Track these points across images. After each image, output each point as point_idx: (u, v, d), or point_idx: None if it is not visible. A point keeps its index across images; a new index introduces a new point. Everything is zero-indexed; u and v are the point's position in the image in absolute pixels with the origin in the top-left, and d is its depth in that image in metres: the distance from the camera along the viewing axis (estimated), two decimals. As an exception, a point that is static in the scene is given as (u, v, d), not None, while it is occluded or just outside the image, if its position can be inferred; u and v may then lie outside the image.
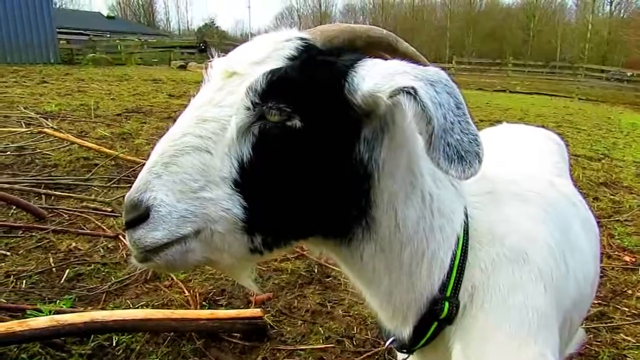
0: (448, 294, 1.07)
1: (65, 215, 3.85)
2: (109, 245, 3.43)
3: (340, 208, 0.97)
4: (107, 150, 5.53)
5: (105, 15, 48.92)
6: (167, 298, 2.82)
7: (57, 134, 5.99)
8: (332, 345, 2.53)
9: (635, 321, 2.93)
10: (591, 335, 2.76)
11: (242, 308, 2.72)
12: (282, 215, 0.92)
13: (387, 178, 0.98)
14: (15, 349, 2.19)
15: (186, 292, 2.85)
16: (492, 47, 49.06)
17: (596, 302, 3.05)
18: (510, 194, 1.22)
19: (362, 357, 2.47)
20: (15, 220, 3.72)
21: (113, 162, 5.28)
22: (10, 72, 14.01)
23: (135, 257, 0.89)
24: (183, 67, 22.15)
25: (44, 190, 4.26)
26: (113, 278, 3.00)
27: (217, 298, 2.89)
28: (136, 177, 0.89)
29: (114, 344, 2.34)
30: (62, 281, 2.93)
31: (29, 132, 6.12)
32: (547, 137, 2.03)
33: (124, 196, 0.92)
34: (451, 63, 27.21)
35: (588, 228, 1.48)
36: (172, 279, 3.00)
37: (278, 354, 2.45)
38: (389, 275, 1.07)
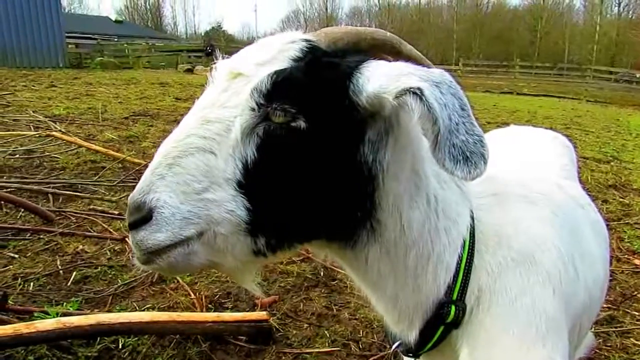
0: (454, 297, 1.06)
1: (73, 218, 3.88)
2: (116, 248, 3.45)
3: (345, 210, 0.96)
4: (115, 153, 5.58)
5: (113, 19, 49.37)
6: (173, 301, 2.83)
7: (65, 137, 6.05)
8: (338, 348, 2.52)
9: (646, 325, 2.89)
10: (601, 340, 2.72)
11: (247, 311, 2.72)
12: (286, 217, 0.92)
13: (392, 180, 0.97)
14: (22, 351, 2.20)
15: (192, 294, 2.85)
16: (499, 49, 48.93)
17: (606, 306, 3.01)
18: (517, 196, 1.20)
19: (368, 360, 2.45)
20: (24, 222, 3.75)
21: (120, 165, 5.31)
22: (19, 76, 14.18)
23: (138, 258, 0.89)
24: (190, 71, 22.30)
25: (52, 190, 4.29)
26: (119, 280, 3.01)
27: (223, 301, 2.89)
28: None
29: (120, 347, 2.34)
30: (69, 283, 2.95)
31: (37, 136, 6.18)
32: (555, 139, 2.01)
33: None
34: (458, 65, 27.19)
35: (597, 231, 1.46)
36: (178, 281, 3.00)
37: (284, 357, 2.44)
38: (394, 279, 1.06)
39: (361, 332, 2.67)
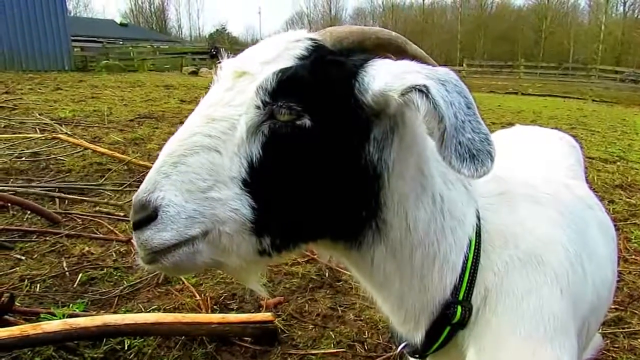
0: (460, 297, 1.06)
1: (79, 220, 3.89)
2: (121, 250, 3.46)
3: (350, 209, 0.96)
4: (120, 156, 5.60)
5: (119, 22, 49.60)
6: (178, 302, 2.83)
7: (71, 139, 6.09)
8: (343, 349, 2.51)
9: (654, 326, 2.86)
10: (608, 341, 2.70)
11: (253, 312, 2.72)
12: (291, 216, 0.91)
13: (397, 179, 0.97)
14: (29, 352, 2.21)
15: (197, 296, 2.85)
16: (504, 49, 48.80)
17: (613, 307, 2.98)
18: (524, 196, 1.19)
19: (373, 362, 2.44)
20: (30, 224, 3.77)
21: (126, 167, 5.33)
22: (25, 79, 14.29)
23: (142, 258, 0.88)
24: (195, 73, 22.38)
25: (58, 194, 4.32)
26: (125, 282, 3.02)
27: (228, 302, 2.89)
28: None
29: (126, 348, 2.34)
30: (75, 285, 2.96)
31: (43, 138, 6.22)
32: (561, 139, 1.99)
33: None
34: (462, 66, 27.13)
35: (604, 230, 1.45)
36: (183, 283, 3.01)
37: (289, 358, 2.43)
38: (400, 279, 1.06)
39: (366, 333, 2.66)
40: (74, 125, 7.47)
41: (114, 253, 3.39)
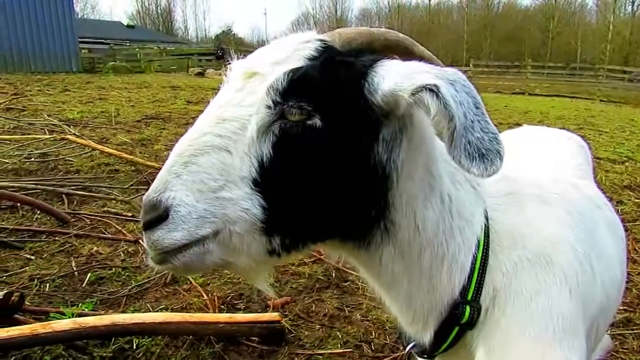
0: (469, 297, 1.06)
1: (87, 220, 3.93)
2: (130, 250, 3.48)
3: (359, 209, 0.96)
4: (127, 156, 5.63)
5: (125, 24, 49.95)
6: (186, 302, 2.84)
7: (79, 140, 6.14)
8: (350, 350, 2.52)
9: (664, 328, 2.84)
10: (617, 342, 2.68)
11: (260, 312, 2.73)
12: (301, 216, 0.92)
13: (406, 180, 0.97)
14: (38, 351, 2.23)
15: (205, 295, 2.86)
16: (510, 49, 48.55)
17: (622, 308, 2.96)
18: (532, 196, 1.19)
19: (380, 362, 2.44)
20: (39, 224, 3.80)
21: (133, 168, 5.37)
22: (34, 80, 14.41)
23: (153, 258, 0.88)
24: (201, 74, 22.46)
25: (67, 192, 4.36)
26: (133, 282, 3.04)
27: (236, 302, 2.90)
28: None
29: (135, 347, 2.36)
30: (84, 285, 2.98)
31: (52, 139, 6.28)
32: (569, 139, 1.98)
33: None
34: (468, 66, 27.05)
35: (613, 230, 1.44)
36: (191, 282, 3.02)
37: (296, 358, 2.44)
38: (408, 279, 1.06)
39: (373, 334, 2.66)
40: (82, 126, 7.53)
41: (122, 253, 3.42)
